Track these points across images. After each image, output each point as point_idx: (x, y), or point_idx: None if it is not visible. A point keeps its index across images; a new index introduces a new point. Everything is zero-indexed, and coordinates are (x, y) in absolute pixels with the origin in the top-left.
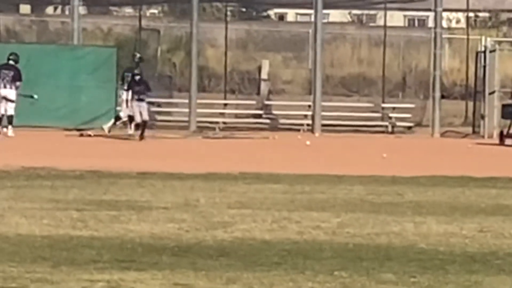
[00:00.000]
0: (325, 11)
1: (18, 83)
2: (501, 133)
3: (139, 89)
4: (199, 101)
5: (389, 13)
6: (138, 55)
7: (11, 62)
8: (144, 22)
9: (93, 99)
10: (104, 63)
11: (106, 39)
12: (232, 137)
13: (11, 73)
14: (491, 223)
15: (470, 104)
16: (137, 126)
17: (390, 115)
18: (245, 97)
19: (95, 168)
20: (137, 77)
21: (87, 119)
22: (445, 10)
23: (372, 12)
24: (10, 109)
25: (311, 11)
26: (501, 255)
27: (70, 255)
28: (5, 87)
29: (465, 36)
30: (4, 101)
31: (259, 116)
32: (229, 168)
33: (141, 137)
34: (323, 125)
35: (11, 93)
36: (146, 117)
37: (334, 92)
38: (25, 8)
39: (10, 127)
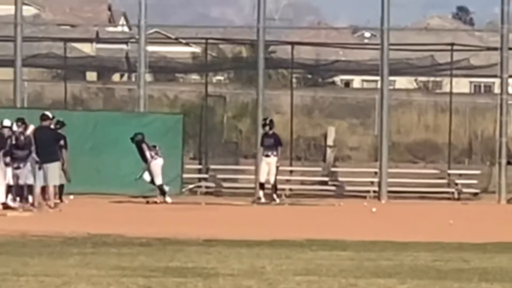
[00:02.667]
0: (391, 78)
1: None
2: None
3: (21, 155)
4: None
5: (455, 79)
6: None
7: None
8: (210, 89)
9: None
10: (171, 130)
11: (173, 106)
12: (298, 204)
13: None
14: None
15: None
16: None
17: (456, 181)
18: (311, 163)
19: (162, 235)
20: (21, 143)
21: (153, 186)
22: (511, 76)
23: (438, 78)
24: None
25: (377, 78)
26: None
27: None
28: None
29: None
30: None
31: (325, 183)
32: (295, 235)
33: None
34: (389, 192)
35: None
36: (22, 181)
37: (400, 159)
38: (91, 76)
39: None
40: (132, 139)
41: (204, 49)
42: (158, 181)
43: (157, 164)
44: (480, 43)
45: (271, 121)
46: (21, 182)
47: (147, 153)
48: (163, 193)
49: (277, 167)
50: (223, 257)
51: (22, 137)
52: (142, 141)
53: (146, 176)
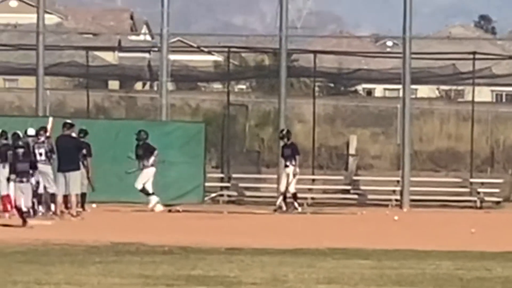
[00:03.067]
0: (413, 86)
1: None
2: None
3: (23, 167)
4: None
5: (477, 88)
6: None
7: None
8: (232, 98)
9: (182, 175)
10: (193, 139)
11: (195, 114)
12: (320, 213)
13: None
14: None
15: None
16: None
17: (479, 190)
18: (333, 172)
19: (184, 243)
20: (21, 150)
21: (175, 195)
22: None
23: (460, 87)
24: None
25: (399, 86)
26: None
27: None
28: None
29: None
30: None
31: (347, 191)
32: (317, 243)
33: (24, 223)
34: (411, 200)
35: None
36: (28, 203)
37: (422, 167)
38: (113, 84)
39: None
40: (137, 139)
41: (226, 58)
42: (142, 185)
43: (151, 171)
44: (502, 51)
45: (287, 131)
46: (40, 191)
47: (151, 160)
48: (145, 192)
49: (294, 175)
50: (245, 266)
51: (20, 142)
52: (146, 139)
53: (139, 185)
